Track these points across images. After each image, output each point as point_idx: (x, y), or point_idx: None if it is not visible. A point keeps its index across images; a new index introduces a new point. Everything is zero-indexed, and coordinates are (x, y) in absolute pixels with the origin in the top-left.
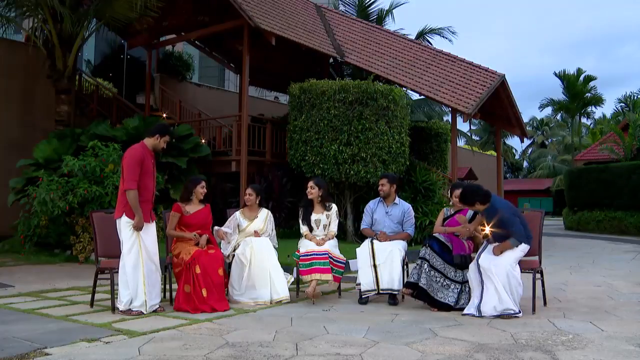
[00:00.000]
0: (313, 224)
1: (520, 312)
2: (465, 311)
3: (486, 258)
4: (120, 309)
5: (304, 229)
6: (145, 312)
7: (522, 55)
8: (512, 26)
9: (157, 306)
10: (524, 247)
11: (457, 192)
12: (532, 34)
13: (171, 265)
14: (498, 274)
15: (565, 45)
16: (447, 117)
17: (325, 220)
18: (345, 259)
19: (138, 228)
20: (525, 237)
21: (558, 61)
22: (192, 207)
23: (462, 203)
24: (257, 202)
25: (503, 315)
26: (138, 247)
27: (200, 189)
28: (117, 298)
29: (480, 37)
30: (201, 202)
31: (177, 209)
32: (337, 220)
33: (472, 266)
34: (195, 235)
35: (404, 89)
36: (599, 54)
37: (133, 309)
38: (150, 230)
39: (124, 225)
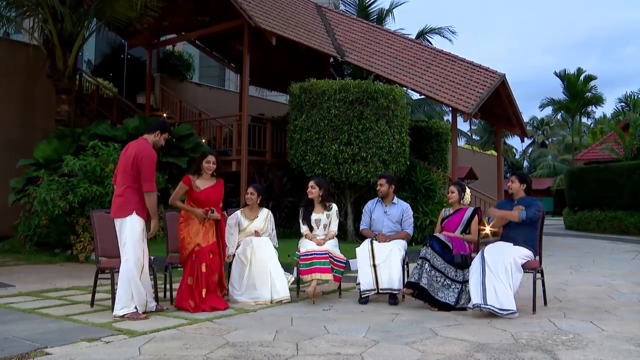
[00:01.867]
0: (313, 224)
1: (516, 311)
2: (470, 304)
3: (491, 251)
4: (120, 315)
5: (304, 228)
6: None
7: (525, 56)
8: (517, 26)
9: (154, 307)
10: (528, 253)
11: (453, 187)
12: (536, 34)
13: (171, 266)
14: (499, 269)
15: (568, 46)
16: (448, 117)
17: (326, 220)
18: (345, 258)
19: (154, 233)
20: (531, 245)
21: (561, 61)
22: (203, 183)
23: (519, 180)
24: (258, 201)
25: (495, 312)
26: (141, 249)
27: (206, 164)
28: (116, 301)
29: (484, 37)
30: (214, 177)
31: (187, 181)
32: (338, 220)
33: (476, 258)
34: (205, 210)
35: (404, 88)
36: (602, 54)
37: (129, 312)
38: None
39: (132, 223)
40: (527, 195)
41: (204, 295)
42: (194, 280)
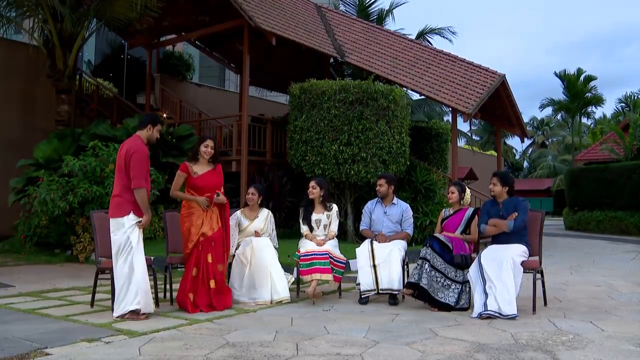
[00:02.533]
0: (313, 224)
1: (517, 315)
2: (473, 314)
3: (488, 257)
4: (120, 315)
5: (304, 229)
6: (151, 312)
7: (526, 56)
8: (517, 27)
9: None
10: (525, 250)
11: (453, 188)
12: (536, 35)
13: (171, 266)
14: (500, 274)
15: (569, 46)
16: (448, 117)
17: (326, 220)
18: (345, 259)
19: (146, 226)
20: (524, 240)
21: (561, 62)
22: (201, 168)
23: (501, 183)
24: (259, 202)
25: (493, 316)
26: (141, 248)
27: (204, 148)
28: (117, 301)
29: (485, 37)
30: (211, 163)
31: (183, 168)
32: (338, 221)
33: (473, 266)
34: (207, 198)
35: (404, 89)
36: (602, 55)
37: (129, 313)
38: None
39: (129, 224)
40: (510, 196)
41: (212, 285)
42: (199, 272)
